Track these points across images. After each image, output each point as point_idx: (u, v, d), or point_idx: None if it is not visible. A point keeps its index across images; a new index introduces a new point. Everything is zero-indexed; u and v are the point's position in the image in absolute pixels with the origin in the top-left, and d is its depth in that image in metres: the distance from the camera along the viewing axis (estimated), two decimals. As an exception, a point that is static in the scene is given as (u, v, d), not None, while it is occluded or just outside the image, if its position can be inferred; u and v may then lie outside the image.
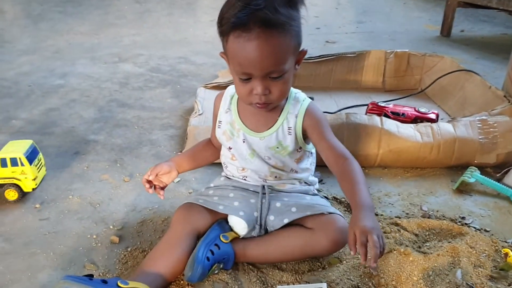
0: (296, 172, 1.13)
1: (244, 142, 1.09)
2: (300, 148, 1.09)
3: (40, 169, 1.35)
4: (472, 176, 1.39)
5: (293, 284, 1.00)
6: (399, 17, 3.75)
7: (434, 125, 1.49)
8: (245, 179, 1.13)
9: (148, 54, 2.65)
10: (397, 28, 3.44)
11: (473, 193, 1.39)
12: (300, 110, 1.06)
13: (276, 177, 1.12)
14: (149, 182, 1.11)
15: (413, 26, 3.49)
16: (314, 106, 1.08)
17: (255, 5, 0.88)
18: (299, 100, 1.07)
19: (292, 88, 1.06)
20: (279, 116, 1.06)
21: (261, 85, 0.94)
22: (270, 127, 1.06)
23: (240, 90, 0.99)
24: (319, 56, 2.09)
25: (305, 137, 1.08)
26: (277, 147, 1.07)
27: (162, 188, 1.14)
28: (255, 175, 1.11)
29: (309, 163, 1.15)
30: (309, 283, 1.00)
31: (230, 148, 1.12)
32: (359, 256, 0.81)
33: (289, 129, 1.06)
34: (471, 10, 3.71)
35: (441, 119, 1.73)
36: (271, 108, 1.03)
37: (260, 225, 1.06)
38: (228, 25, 0.91)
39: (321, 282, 0.99)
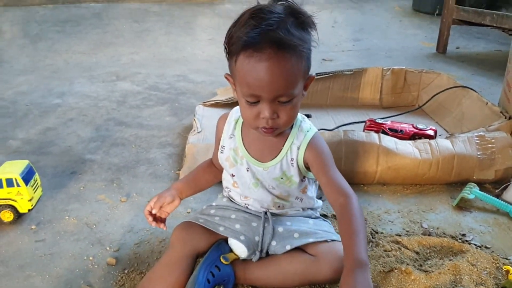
0: (301, 200, 1.10)
1: (248, 171, 1.05)
2: (304, 177, 1.07)
3: (36, 189, 1.34)
4: (471, 192, 1.38)
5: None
6: (395, 35, 3.78)
7: (432, 141, 1.49)
8: (247, 207, 1.10)
9: (146, 73, 2.66)
10: (394, 45, 3.46)
11: (473, 210, 1.38)
12: (303, 142, 1.02)
13: (279, 206, 1.09)
14: (151, 214, 1.08)
15: (409, 43, 3.52)
16: (317, 139, 1.03)
17: (267, 25, 0.86)
18: (303, 130, 1.03)
19: (298, 115, 1.03)
20: (283, 146, 1.02)
21: (269, 108, 0.91)
22: (274, 157, 1.03)
23: (247, 113, 0.95)
24: (317, 74, 2.10)
25: (307, 167, 1.04)
26: (282, 178, 1.04)
27: (165, 219, 1.11)
28: (257, 204, 1.08)
29: (314, 190, 1.12)
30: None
31: (232, 175, 1.09)
32: None
33: (292, 161, 1.03)
34: (466, 27, 3.76)
35: (439, 135, 1.73)
36: (277, 133, 0.99)
37: (261, 250, 1.03)
38: (239, 44, 0.87)
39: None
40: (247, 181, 1.07)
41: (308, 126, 1.04)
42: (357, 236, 0.87)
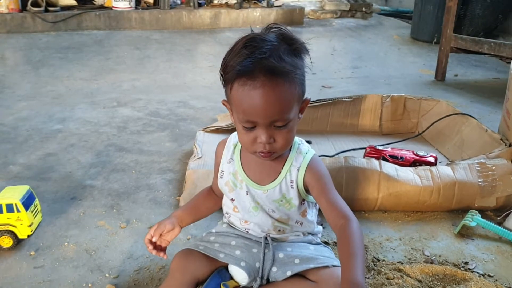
0: (301, 224, 1.09)
1: (247, 194, 1.06)
2: (304, 200, 1.07)
3: (36, 215, 1.33)
4: (473, 219, 1.38)
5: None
6: (394, 62, 3.82)
7: (433, 168, 1.49)
8: (247, 232, 1.10)
9: (147, 99, 2.67)
10: (393, 72, 3.49)
11: (475, 237, 1.37)
12: (302, 164, 1.03)
13: (279, 230, 1.08)
14: (152, 242, 1.08)
15: (408, 71, 3.55)
16: (316, 161, 1.05)
17: (260, 53, 0.88)
18: (302, 152, 1.04)
19: (295, 138, 1.04)
20: (282, 168, 1.03)
21: (266, 133, 0.93)
22: (273, 180, 1.04)
23: (244, 139, 0.97)
24: (316, 101, 2.11)
25: (307, 190, 1.05)
26: (281, 200, 1.04)
27: (165, 247, 1.11)
28: (258, 228, 1.08)
29: (314, 214, 1.12)
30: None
31: (232, 200, 1.09)
32: None
33: (291, 183, 1.03)
34: (464, 55, 3.80)
35: (439, 162, 1.73)
36: (275, 157, 1.00)
37: (262, 277, 1.02)
38: (233, 73, 0.90)
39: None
40: (247, 205, 1.07)
41: (306, 149, 1.06)
42: (354, 259, 0.88)
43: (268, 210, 1.06)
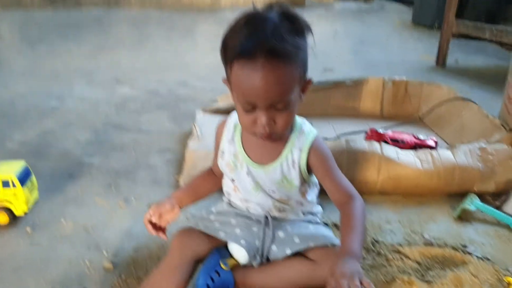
0: (302, 204, 1.09)
1: (248, 175, 1.04)
2: (305, 181, 1.05)
3: (33, 191, 1.32)
4: (472, 203, 1.38)
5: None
6: (395, 47, 3.79)
7: (434, 152, 1.49)
8: (248, 210, 1.09)
9: (146, 78, 2.65)
10: (394, 58, 3.47)
11: (474, 221, 1.37)
12: (305, 145, 1.01)
13: (280, 210, 1.08)
14: (151, 222, 1.06)
15: (409, 56, 3.53)
16: (319, 142, 1.03)
17: (261, 33, 0.86)
18: (304, 132, 1.03)
19: (297, 118, 1.03)
20: (283, 148, 1.02)
21: (266, 115, 0.91)
22: (275, 160, 1.02)
23: (244, 120, 0.95)
24: (318, 83, 2.09)
25: (309, 171, 1.04)
26: (282, 181, 1.03)
27: (164, 228, 1.09)
28: (258, 207, 1.07)
29: (314, 194, 1.12)
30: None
31: (233, 180, 1.08)
32: None
33: (293, 163, 1.02)
34: (465, 41, 3.77)
35: (439, 146, 1.72)
36: (276, 138, 0.99)
37: (262, 255, 1.02)
38: (233, 53, 0.88)
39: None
40: (247, 186, 1.06)
41: (309, 129, 1.04)
42: (353, 232, 0.91)
43: (269, 191, 1.05)
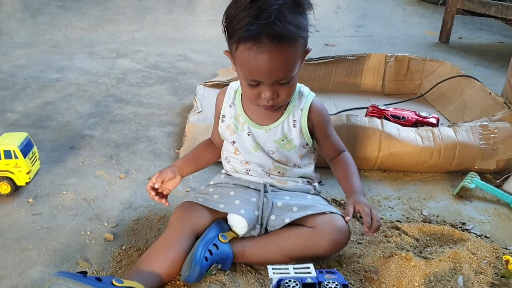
0: (299, 167, 1.13)
1: (248, 135, 1.09)
2: (307, 144, 1.10)
3: (34, 162, 1.32)
4: (472, 181, 1.38)
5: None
6: (398, 22, 3.74)
7: (435, 129, 1.48)
8: (248, 173, 1.12)
9: (146, 51, 2.62)
10: (396, 33, 3.43)
11: (473, 199, 1.37)
12: (305, 104, 1.08)
13: (279, 172, 1.11)
14: (154, 189, 1.09)
15: (412, 32, 3.49)
16: (318, 102, 1.11)
17: (266, 17, 0.89)
18: (304, 94, 1.10)
19: None
20: (284, 110, 1.07)
21: (270, 90, 0.96)
22: (276, 120, 1.07)
23: (248, 93, 1.00)
24: (319, 58, 2.07)
25: (310, 131, 1.09)
26: (282, 140, 1.08)
27: (166, 195, 1.12)
28: (258, 168, 1.11)
29: (312, 158, 1.16)
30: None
31: (233, 142, 1.11)
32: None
33: (294, 122, 1.07)
34: (469, 18, 3.72)
35: (441, 124, 1.71)
36: (277, 107, 1.04)
37: (261, 224, 1.04)
38: (239, 34, 0.91)
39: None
40: (248, 146, 1.10)
41: (307, 91, 1.11)
42: (354, 174, 1.10)
43: (268, 151, 1.09)
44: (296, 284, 0.86)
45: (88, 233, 1.15)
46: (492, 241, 1.17)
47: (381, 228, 1.04)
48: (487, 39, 3.45)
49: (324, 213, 1.03)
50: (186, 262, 0.94)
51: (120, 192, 1.32)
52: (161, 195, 1.11)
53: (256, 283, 0.98)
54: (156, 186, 1.09)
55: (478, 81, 1.89)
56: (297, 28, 0.92)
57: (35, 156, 1.33)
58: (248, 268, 1.03)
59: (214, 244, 0.98)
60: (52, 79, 2.13)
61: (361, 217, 1.09)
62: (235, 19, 0.92)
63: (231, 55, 0.99)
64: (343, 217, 1.02)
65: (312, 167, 1.16)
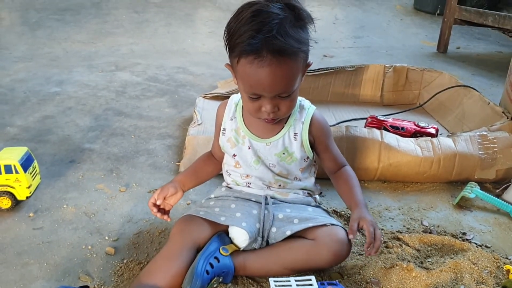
0: (300, 180, 1.13)
1: (249, 148, 1.09)
2: (308, 157, 1.10)
3: (35, 177, 1.32)
4: (472, 191, 1.38)
5: None
6: (396, 33, 3.77)
7: (434, 139, 1.49)
8: (249, 186, 1.12)
9: (145, 64, 2.64)
10: (394, 43, 3.46)
11: (473, 209, 1.37)
12: (306, 118, 1.08)
13: (280, 185, 1.11)
14: (156, 205, 1.09)
15: (410, 42, 3.51)
16: (319, 115, 1.11)
17: (267, 31, 0.89)
18: (305, 107, 1.10)
19: None
20: (285, 123, 1.08)
21: (271, 103, 0.97)
22: (277, 133, 1.08)
23: (249, 106, 1.01)
24: (318, 69, 2.09)
25: (311, 144, 1.09)
26: (283, 153, 1.08)
27: (168, 211, 1.12)
28: (259, 181, 1.11)
29: (312, 171, 1.16)
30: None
31: (234, 156, 1.11)
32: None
33: (295, 135, 1.07)
34: (467, 27, 3.75)
35: (440, 134, 1.72)
36: (278, 120, 1.04)
37: (262, 236, 1.04)
38: (240, 48, 0.92)
39: None
40: (248, 159, 1.10)
41: (308, 104, 1.12)
42: (356, 187, 1.08)
43: (269, 165, 1.09)
44: None
45: (89, 247, 1.14)
46: (493, 250, 1.17)
47: (379, 249, 1.01)
48: (484, 49, 3.47)
49: (325, 225, 1.03)
50: (187, 275, 0.94)
51: (121, 205, 1.32)
52: (163, 211, 1.11)
53: (257, 296, 0.98)
54: (158, 202, 1.08)
55: (477, 91, 1.90)
56: (298, 42, 0.93)
57: (36, 171, 1.33)
58: (250, 280, 1.02)
59: (215, 257, 0.98)
60: (52, 92, 2.14)
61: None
62: (237, 33, 0.93)
63: (232, 69, 0.99)
64: (347, 233, 1.01)
65: (312, 180, 1.16)
